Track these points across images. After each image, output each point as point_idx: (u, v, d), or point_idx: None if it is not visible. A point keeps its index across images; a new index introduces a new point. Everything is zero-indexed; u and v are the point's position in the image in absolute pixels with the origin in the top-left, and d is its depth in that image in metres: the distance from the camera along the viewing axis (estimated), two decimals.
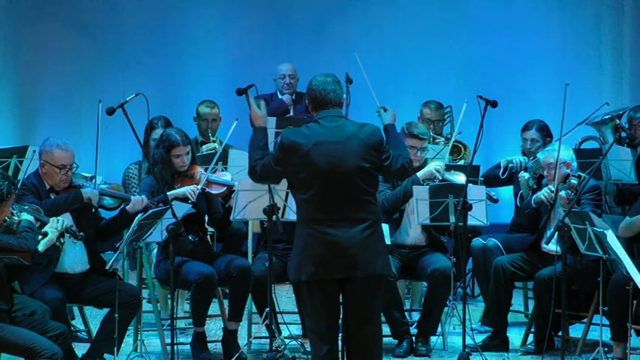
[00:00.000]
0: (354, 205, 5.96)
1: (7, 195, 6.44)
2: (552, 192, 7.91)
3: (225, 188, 7.80)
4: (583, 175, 7.81)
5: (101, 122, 9.36)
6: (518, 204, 8.72)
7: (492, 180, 8.99)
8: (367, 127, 6.06)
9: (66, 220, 7.05)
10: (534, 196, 8.07)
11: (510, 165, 8.95)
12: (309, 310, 6.07)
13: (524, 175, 8.57)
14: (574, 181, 7.75)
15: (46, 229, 6.77)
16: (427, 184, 8.02)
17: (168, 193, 7.44)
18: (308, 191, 5.96)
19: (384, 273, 6.06)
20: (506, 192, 10.07)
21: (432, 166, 8.12)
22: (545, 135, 8.92)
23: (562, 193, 7.79)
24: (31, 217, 6.61)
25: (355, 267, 5.94)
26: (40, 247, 6.66)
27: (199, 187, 7.67)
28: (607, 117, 9.50)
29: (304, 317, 6.24)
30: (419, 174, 8.06)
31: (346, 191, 5.95)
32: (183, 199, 7.61)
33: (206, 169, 7.82)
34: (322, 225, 5.94)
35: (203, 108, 9.76)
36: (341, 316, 6.09)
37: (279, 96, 10.42)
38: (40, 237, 6.69)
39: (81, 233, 7.06)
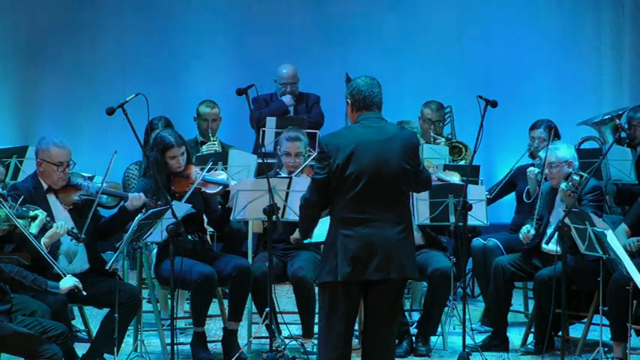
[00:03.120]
0: (392, 207, 5.98)
1: None
2: (529, 232, 7.94)
3: (220, 187, 7.78)
4: (585, 175, 7.82)
5: (101, 122, 9.39)
6: (525, 199, 8.73)
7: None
8: (406, 130, 6.16)
9: (65, 222, 7.04)
10: (522, 236, 8.05)
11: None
12: (331, 312, 6.03)
13: (532, 170, 8.57)
14: (576, 178, 7.74)
15: (36, 212, 6.75)
16: None
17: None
18: (351, 190, 5.95)
19: (413, 277, 6.14)
20: None
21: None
22: (553, 135, 8.92)
23: (563, 185, 7.78)
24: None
25: (391, 269, 5.96)
26: (34, 230, 6.65)
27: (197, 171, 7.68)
28: (607, 117, 9.50)
29: (320, 318, 6.20)
30: None
31: (388, 192, 5.96)
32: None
33: (202, 169, 7.82)
34: (360, 225, 5.94)
35: (203, 108, 9.77)
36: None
37: (279, 96, 10.41)
38: (29, 220, 6.68)
39: (82, 236, 7.04)
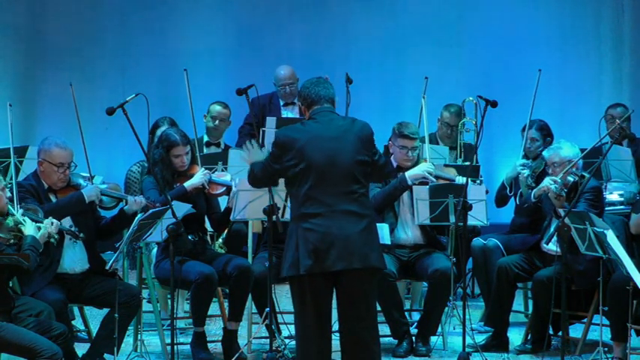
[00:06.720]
0: (349, 199, 6.08)
1: None
2: (554, 182, 7.88)
3: (224, 188, 7.81)
4: (587, 175, 7.80)
5: (101, 123, 9.38)
6: (518, 202, 8.73)
7: (504, 200, 9.01)
8: (357, 121, 6.25)
9: (63, 221, 7.03)
10: (534, 190, 8.06)
11: (510, 176, 8.93)
12: (299, 306, 6.12)
13: (523, 173, 8.57)
14: (570, 178, 7.74)
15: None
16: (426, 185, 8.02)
17: (185, 185, 7.60)
18: (304, 185, 6.07)
19: (379, 266, 6.17)
20: None
21: (423, 168, 8.07)
22: (546, 134, 8.93)
23: (552, 186, 7.77)
24: (36, 234, 6.56)
25: (353, 259, 6.03)
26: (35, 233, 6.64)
27: (205, 171, 7.76)
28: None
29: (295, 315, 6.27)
30: (407, 173, 8.05)
31: (342, 185, 6.08)
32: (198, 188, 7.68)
33: (210, 170, 7.87)
34: (318, 218, 6.04)
35: (215, 106, 9.84)
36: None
37: (279, 98, 10.38)
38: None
39: (81, 234, 7.05)
